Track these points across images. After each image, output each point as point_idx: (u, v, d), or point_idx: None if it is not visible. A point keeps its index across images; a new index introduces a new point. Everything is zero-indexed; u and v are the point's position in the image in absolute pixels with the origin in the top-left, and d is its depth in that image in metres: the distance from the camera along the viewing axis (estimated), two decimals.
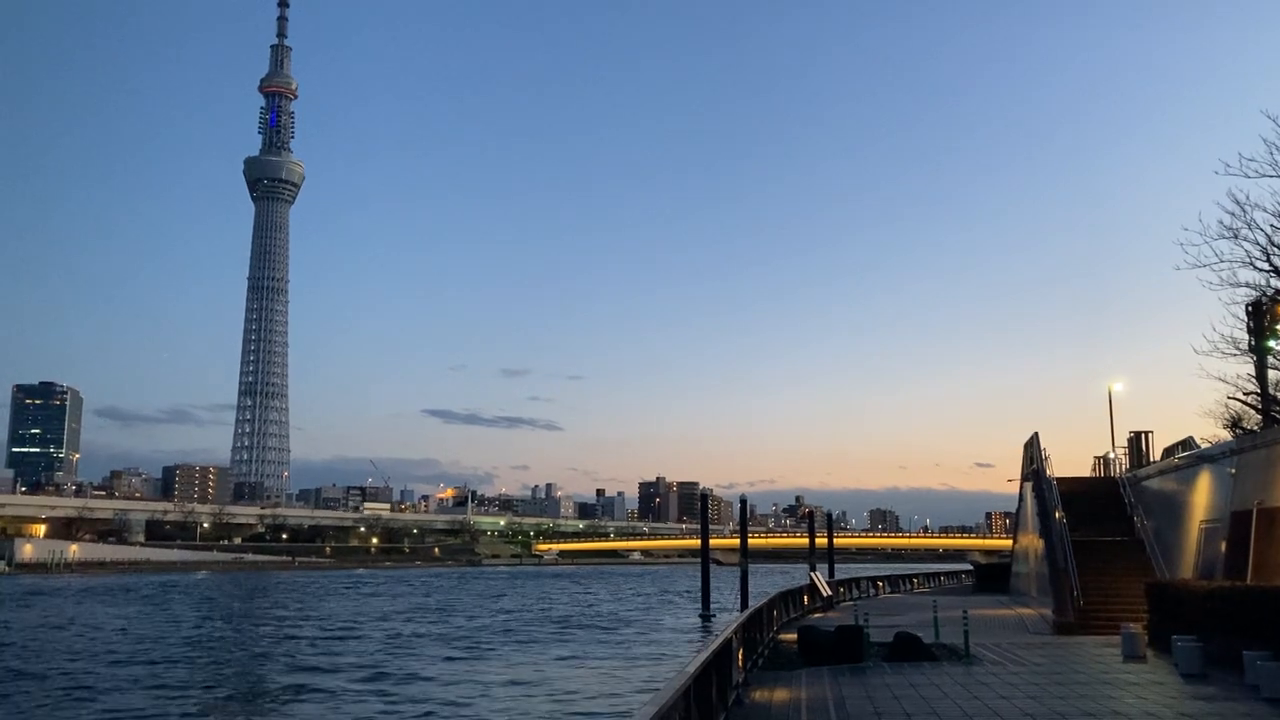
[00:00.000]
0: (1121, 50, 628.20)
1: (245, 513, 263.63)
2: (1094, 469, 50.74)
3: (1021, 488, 49.70)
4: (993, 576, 61.94)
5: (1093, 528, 36.80)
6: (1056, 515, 36.24)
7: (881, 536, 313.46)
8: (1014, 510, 60.23)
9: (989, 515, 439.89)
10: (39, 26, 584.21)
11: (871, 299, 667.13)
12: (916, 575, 77.53)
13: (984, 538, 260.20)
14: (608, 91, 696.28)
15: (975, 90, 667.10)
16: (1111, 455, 46.83)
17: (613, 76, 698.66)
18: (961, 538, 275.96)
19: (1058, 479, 41.43)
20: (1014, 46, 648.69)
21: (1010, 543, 65.82)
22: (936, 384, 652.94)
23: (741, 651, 19.46)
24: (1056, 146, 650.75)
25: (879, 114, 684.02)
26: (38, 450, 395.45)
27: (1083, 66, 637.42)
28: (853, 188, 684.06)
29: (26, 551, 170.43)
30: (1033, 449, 45.11)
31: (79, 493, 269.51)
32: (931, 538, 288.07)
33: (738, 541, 74.33)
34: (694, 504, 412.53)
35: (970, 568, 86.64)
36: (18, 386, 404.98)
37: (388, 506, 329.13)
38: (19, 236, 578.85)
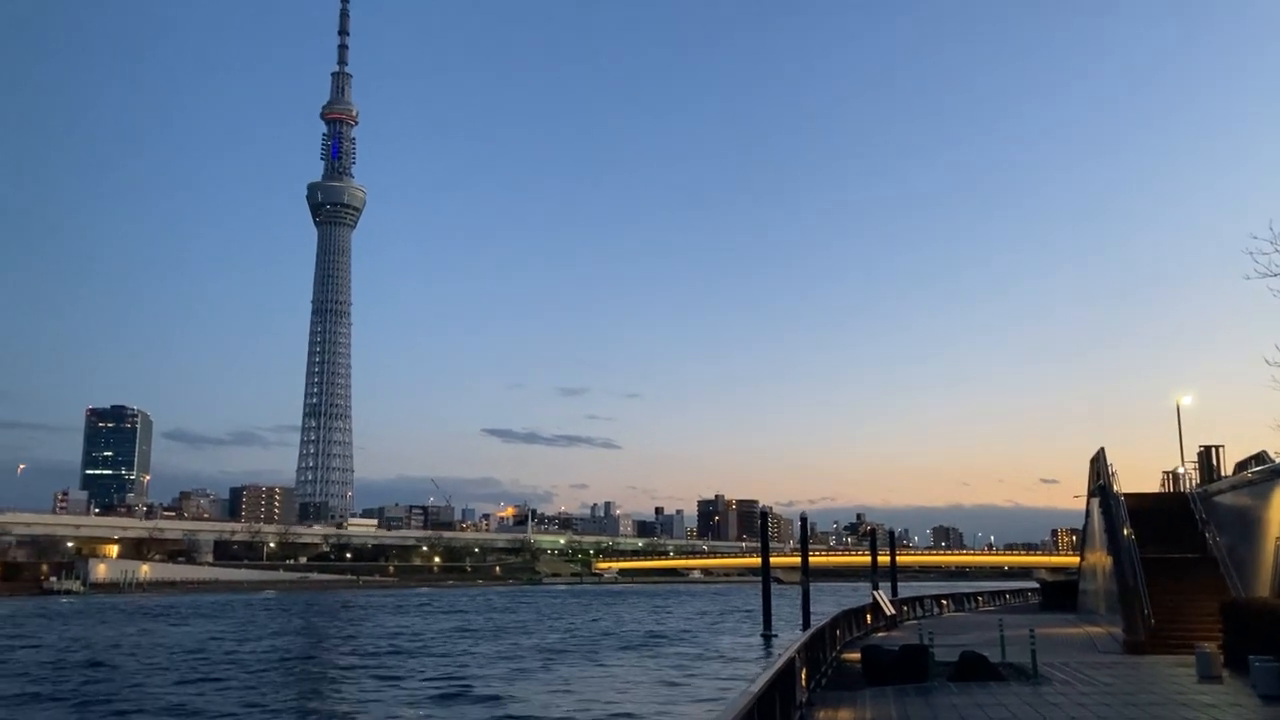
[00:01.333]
0: (1192, 57, 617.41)
1: (310, 532, 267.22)
2: (1163, 484, 49.68)
3: (1088, 504, 48.82)
4: (1060, 594, 60.86)
5: (1163, 544, 36.03)
6: (1125, 532, 35.54)
7: (944, 554, 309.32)
8: (1081, 527, 59.15)
9: (1054, 532, 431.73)
10: (103, 56, 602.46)
11: (933, 314, 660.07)
12: (981, 593, 76.38)
13: (1050, 555, 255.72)
14: (663, 116, 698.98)
15: (1037, 101, 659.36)
16: (1181, 470, 45.83)
17: (668, 101, 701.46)
18: (1027, 555, 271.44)
19: (1125, 495, 40.63)
20: (1084, 55, 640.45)
21: (1077, 560, 64.60)
22: (999, 399, 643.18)
23: (805, 671, 19.37)
24: (1122, 155, 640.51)
25: (935, 129, 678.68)
26: (109, 472, 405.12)
27: (1153, 74, 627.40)
28: (913, 203, 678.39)
29: (100, 571, 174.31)
30: (1099, 464, 44.31)
31: (149, 514, 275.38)
32: (996, 555, 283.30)
33: (798, 560, 73.82)
34: (753, 522, 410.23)
35: (1036, 585, 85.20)
36: (91, 410, 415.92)
37: (450, 526, 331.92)
38: (89, 266, 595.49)
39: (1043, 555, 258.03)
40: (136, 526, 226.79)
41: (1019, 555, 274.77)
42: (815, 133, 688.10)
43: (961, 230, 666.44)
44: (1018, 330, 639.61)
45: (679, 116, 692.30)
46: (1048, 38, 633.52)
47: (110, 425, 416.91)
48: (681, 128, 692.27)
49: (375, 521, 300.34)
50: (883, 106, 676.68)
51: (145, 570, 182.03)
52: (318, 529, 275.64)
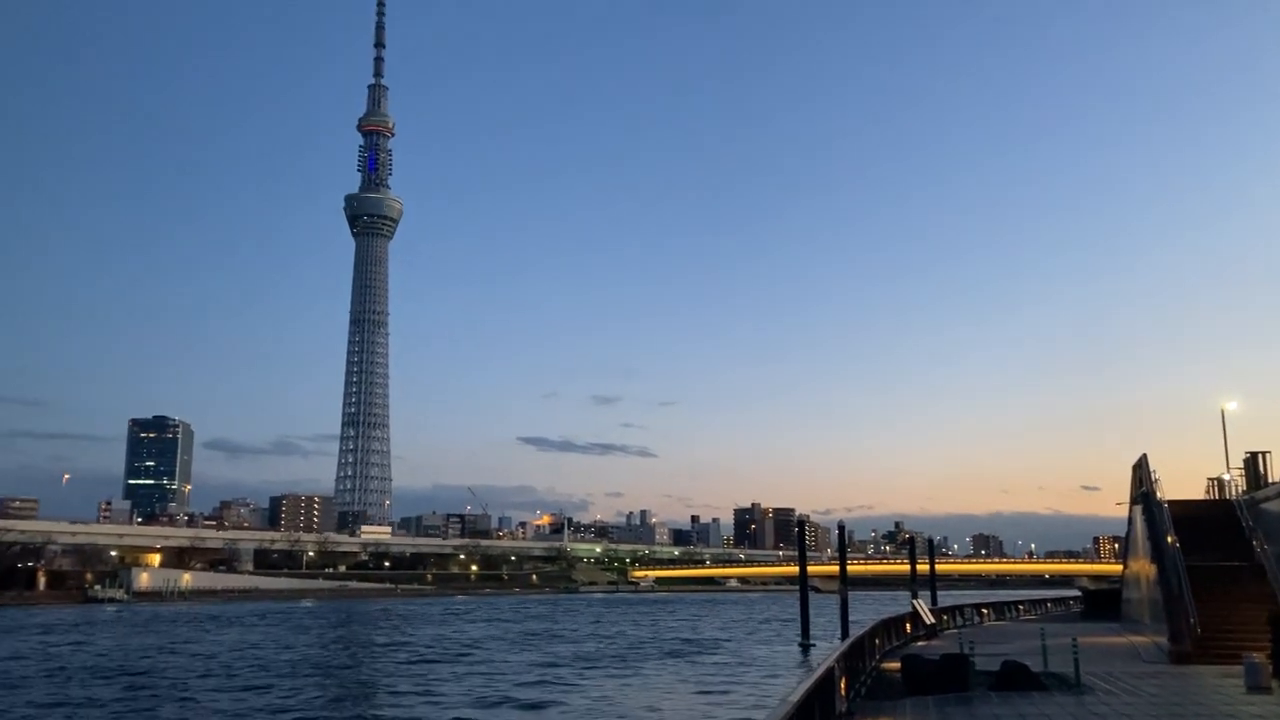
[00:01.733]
0: (1234, 56, 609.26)
1: (349, 541, 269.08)
2: (1208, 491, 48.94)
3: (1131, 511, 48.18)
4: (1103, 603, 60.12)
5: (1208, 552, 35.49)
6: (1169, 539, 35.05)
7: (984, 562, 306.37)
8: (1123, 534, 58.36)
9: (1096, 539, 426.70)
10: (143, 71, 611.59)
11: (972, 320, 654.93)
12: (1022, 602, 75.58)
13: (1092, 563, 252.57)
14: (696, 123, 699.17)
15: (1083, 103, 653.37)
16: (1226, 477, 45.14)
17: (700, 110, 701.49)
18: (1068, 563, 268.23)
19: (1169, 502, 40.10)
20: (1131, 58, 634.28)
21: (1120, 568, 63.73)
22: (1039, 405, 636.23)
23: (844, 680, 19.24)
24: (1162, 162, 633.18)
25: (972, 135, 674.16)
26: (152, 482, 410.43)
27: (1196, 77, 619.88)
28: (953, 208, 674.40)
29: (143, 580, 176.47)
30: (1141, 471, 43.73)
31: (191, 523, 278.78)
32: (1037, 563, 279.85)
33: (836, 568, 73.48)
34: (790, 530, 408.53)
35: (1078, 594, 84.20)
36: (133, 420, 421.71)
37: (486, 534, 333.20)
38: (131, 279, 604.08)
39: (1085, 563, 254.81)
40: (178, 536, 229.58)
41: (1060, 563, 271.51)
42: (852, 140, 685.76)
43: (1002, 234, 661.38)
44: (1059, 335, 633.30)
45: (713, 125, 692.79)
46: (1097, 43, 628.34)
47: (152, 435, 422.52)
48: (717, 135, 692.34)
49: (389, 528, 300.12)
50: (924, 114, 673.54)
51: (187, 579, 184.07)
52: (356, 538, 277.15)
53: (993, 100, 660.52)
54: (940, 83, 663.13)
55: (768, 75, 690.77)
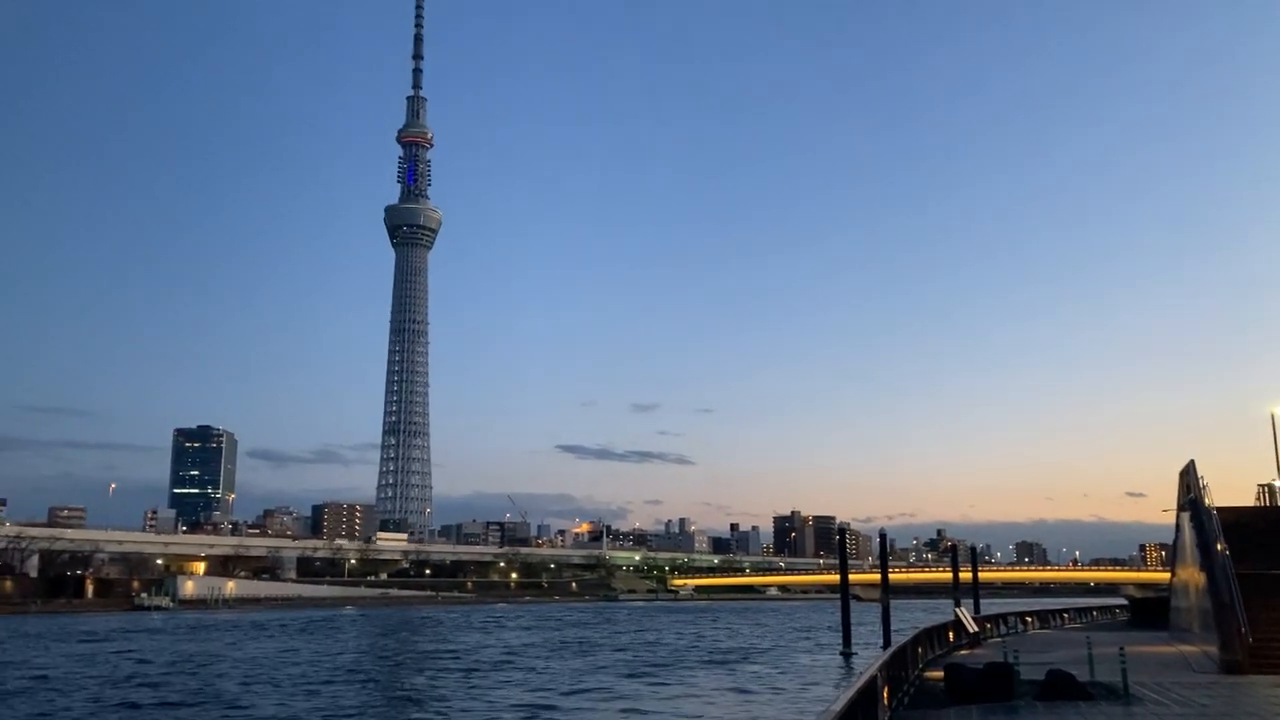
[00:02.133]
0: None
1: (390, 549, 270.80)
2: (1258, 498, 48.19)
3: (1178, 518, 47.45)
4: (1150, 611, 59.35)
5: (1259, 560, 34.84)
6: (1219, 547, 34.46)
7: (1028, 570, 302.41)
8: (1170, 542, 57.54)
9: (1143, 547, 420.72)
10: (185, 89, 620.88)
11: (1015, 324, 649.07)
12: (1067, 610, 74.73)
13: (1138, 570, 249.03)
14: (737, 125, 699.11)
15: (1140, 106, 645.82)
16: (1277, 483, 44.40)
17: (744, 112, 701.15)
18: (1114, 571, 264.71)
19: (1218, 509, 39.45)
20: (1196, 57, 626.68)
21: (1168, 576, 62.82)
22: (1082, 411, 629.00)
23: (887, 689, 19.09)
24: (1210, 170, 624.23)
25: (1024, 133, 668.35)
26: (196, 491, 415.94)
27: (1263, 75, 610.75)
28: (986, 215, 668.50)
29: (188, 589, 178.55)
30: (1189, 477, 43.08)
31: (235, 531, 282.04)
32: (1081, 571, 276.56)
33: (877, 576, 72.94)
34: (831, 538, 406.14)
35: (1124, 602, 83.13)
36: (178, 430, 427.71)
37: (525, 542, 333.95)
38: (176, 291, 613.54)
39: (1131, 571, 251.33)
40: (222, 544, 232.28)
41: (1106, 571, 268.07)
42: (899, 143, 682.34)
43: (1044, 240, 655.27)
44: (1102, 340, 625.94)
45: (753, 129, 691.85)
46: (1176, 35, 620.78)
47: (197, 445, 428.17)
48: (756, 140, 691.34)
49: (405, 536, 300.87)
50: (976, 112, 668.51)
51: (231, 587, 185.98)
52: (398, 545, 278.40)
53: (1014, 106, 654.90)
54: (987, 76, 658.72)
55: (792, 88, 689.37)
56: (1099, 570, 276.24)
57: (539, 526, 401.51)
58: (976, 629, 46.01)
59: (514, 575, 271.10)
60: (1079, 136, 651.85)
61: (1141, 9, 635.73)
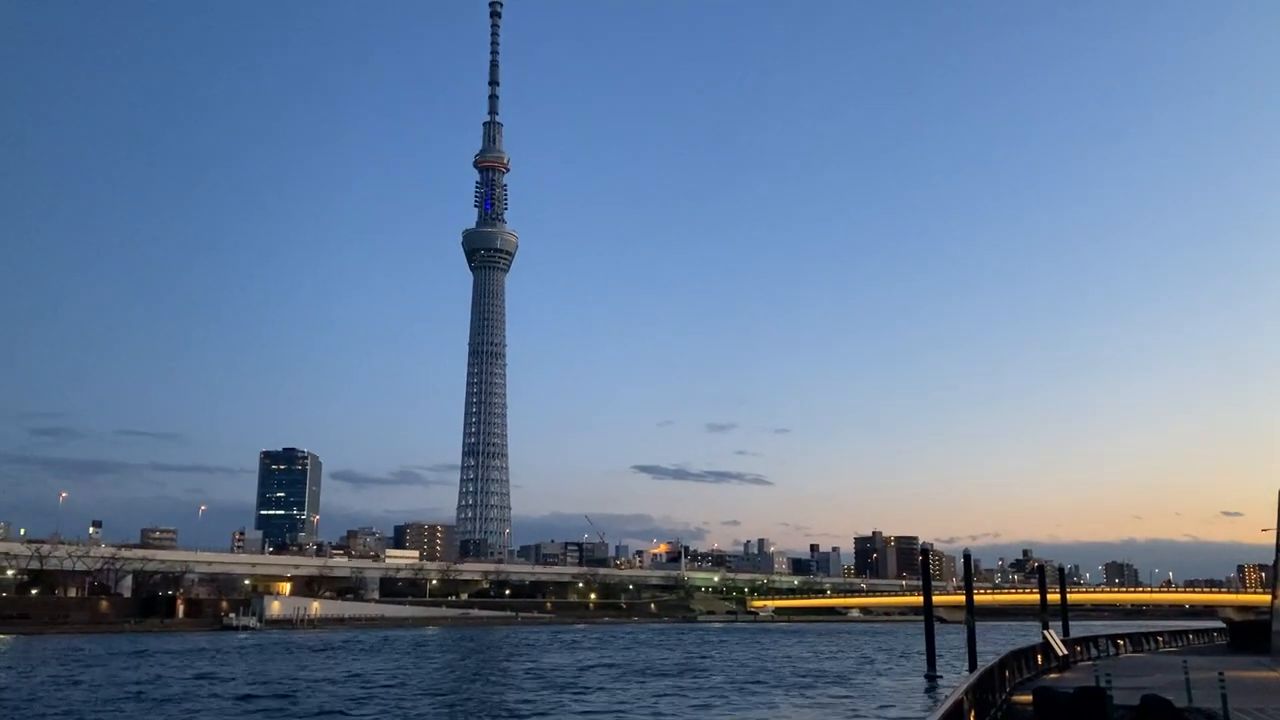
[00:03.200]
0: None
1: (471, 569, 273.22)
2: None
3: (1279, 538, 45.87)
4: (1250, 635, 57.28)
5: None
6: None
7: (1119, 592, 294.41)
8: (1271, 563, 55.58)
9: (1241, 568, 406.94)
10: (272, 126, 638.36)
11: (1101, 342, 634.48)
12: (1161, 633, 72.53)
13: (1237, 593, 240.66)
14: (806, 141, 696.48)
15: (1193, 112, 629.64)
16: None
17: (815, 127, 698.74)
18: (1210, 593, 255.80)
19: None
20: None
21: (1269, 598, 60.64)
22: (1174, 427, 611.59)
23: (973, 712, 18.76)
24: None
25: (1090, 157, 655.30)
26: (282, 513, 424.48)
27: None
28: (1075, 233, 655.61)
29: (274, 608, 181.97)
30: None
31: (319, 552, 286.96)
32: (1176, 593, 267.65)
33: (962, 598, 71.57)
34: (913, 559, 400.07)
35: (1222, 625, 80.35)
36: (264, 453, 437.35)
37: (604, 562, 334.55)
38: (262, 319, 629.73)
39: (1228, 593, 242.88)
40: (307, 565, 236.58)
41: (1202, 593, 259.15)
42: (967, 166, 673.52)
43: (1136, 256, 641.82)
44: (1195, 354, 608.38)
45: (825, 140, 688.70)
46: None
47: (282, 467, 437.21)
48: (831, 151, 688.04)
49: (483, 561, 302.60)
50: (1042, 133, 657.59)
51: (316, 607, 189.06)
52: (478, 566, 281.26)
53: (1120, 118, 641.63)
54: (1070, 96, 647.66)
55: (886, 99, 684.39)
56: (1195, 592, 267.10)
57: (617, 547, 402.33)
58: (1066, 652, 44.94)
59: (592, 596, 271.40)
60: (1159, 158, 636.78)
61: (1166, 7, 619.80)
